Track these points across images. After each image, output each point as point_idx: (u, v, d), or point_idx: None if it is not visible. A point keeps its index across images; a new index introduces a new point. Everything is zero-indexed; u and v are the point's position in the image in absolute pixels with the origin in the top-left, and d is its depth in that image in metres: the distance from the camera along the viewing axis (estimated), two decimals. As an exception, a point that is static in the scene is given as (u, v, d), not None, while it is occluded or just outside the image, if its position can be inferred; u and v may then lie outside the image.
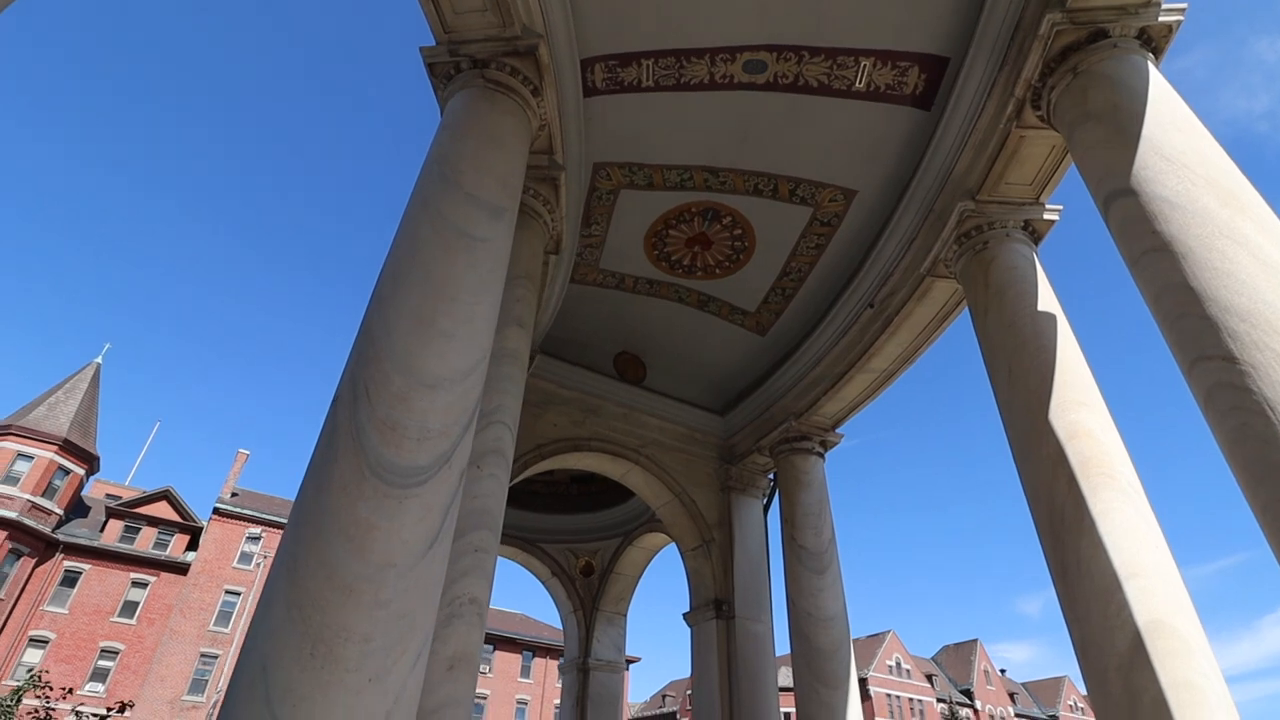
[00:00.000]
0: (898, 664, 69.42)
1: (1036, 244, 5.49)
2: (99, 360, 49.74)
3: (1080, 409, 4.36)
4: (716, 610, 8.36)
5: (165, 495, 45.34)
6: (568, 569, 11.96)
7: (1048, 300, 4.97)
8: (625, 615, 11.89)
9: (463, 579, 3.48)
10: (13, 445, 41.77)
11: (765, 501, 9.49)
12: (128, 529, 43.38)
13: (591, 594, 11.82)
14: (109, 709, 9.24)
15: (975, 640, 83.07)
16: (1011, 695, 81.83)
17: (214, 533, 41.51)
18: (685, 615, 8.89)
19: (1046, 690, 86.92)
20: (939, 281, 6.19)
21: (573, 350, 8.85)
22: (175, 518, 44.95)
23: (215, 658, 37.54)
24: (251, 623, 2.38)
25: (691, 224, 7.33)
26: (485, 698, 50.08)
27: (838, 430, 8.39)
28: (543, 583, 12.17)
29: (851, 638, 7.07)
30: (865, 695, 63.68)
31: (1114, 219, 3.71)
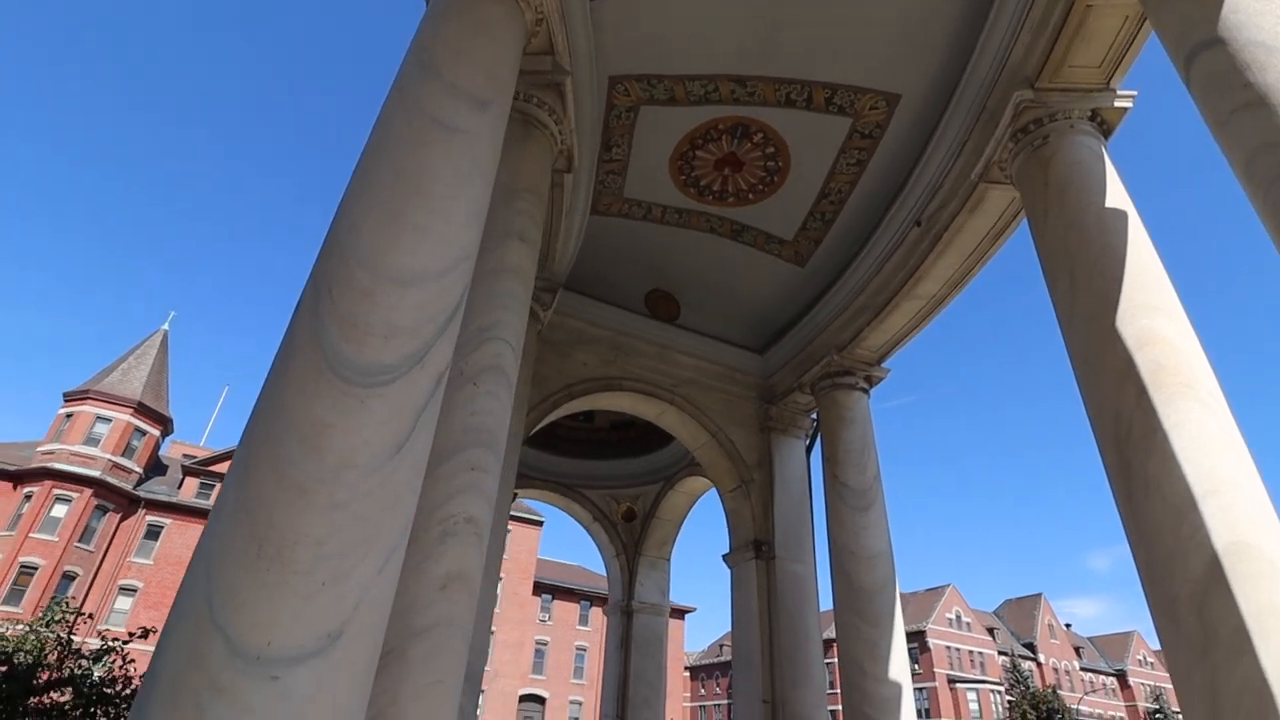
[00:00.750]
0: (958, 617, 68.65)
1: (1106, 137, 4.85)
2: (166, 327, 52.10)
3: (1154, 314, 3.82)
4: (756, 551, 8.11)
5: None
6: (609, 514, 11.88)
7: (1117, 197, 4.38)
8: (668, 560, 11.79)
9: (458, 497, 3.27)
10: (91, 409, 44.42)
11: (808, 442, 9.10)
12: (203, 485, 46.08)
13: (634, 539, 11.74)
14: (130, 633, 9.68)
15: (1039, 594, 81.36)
16: (1077, 649, 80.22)
17: (283, 488, 43.49)
18: (725, 556, 8.68)
19: (1114, 645, 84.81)
20: (993, 190, 5.59)
21: (602, 288, 8.54)
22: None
23: (290, 605, 39.63)
24: (204, 530, 2.20)
25: (719, 143, 6.84)
26: (546, 644, 51.87)
27: (883, 365, 7.89)
28: (585, 528, 12.15)
29: (897, 579, 6.72)
30: (924, 648, 63.35)
31: (1197, 77, 3.13)
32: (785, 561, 8.02)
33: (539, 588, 54.16)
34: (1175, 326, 3.78)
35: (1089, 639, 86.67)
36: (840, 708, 6.19)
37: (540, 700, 50.08)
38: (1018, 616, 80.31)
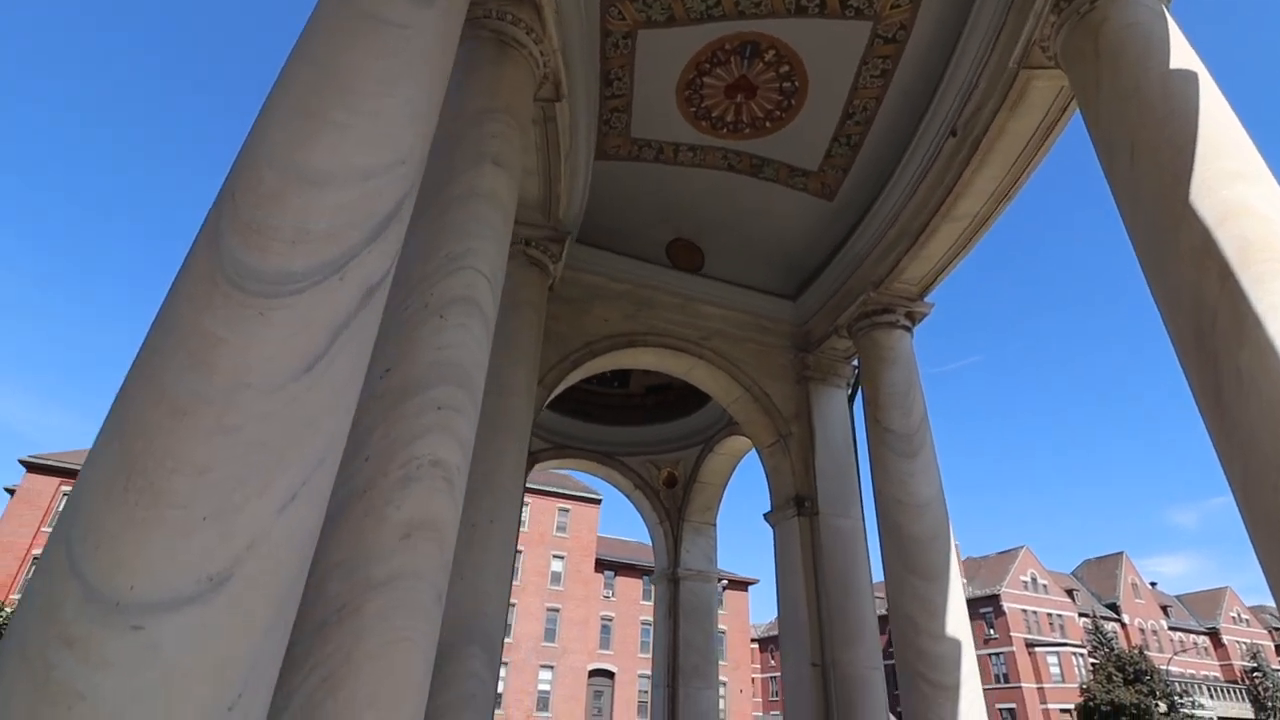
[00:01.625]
0: (1033, 579, 66.47)
1: (1168, -2, 4.13)
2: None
3: (1235, 181, 3.17)
4: (797, 507, 7.63)
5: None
6: (650, 481, 11.55)
7: (1184, 57, 3.69)
8: (714, 525, 11.40)
9: (424, 438, 2.93)
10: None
11: (850, 392, 8.52)
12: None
13: (676, 505, 11.38)
14: None
15: (1120, 553, 78.10)
16: (1164, 608, 76.81)
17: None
18: (766, 516, 8.22)
19: (1204, 602, 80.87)
20: (1036, 80, 4.90)
21: (619, 239, 8.11)
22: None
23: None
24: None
25: (728, 66, 6.28)
26: (611, 620, 52.49)
27: (926, 299, 7.24)
28: (626, 496, 11.86)
29: (951, 529, 6.16)
30: (999, 612, 61.60)
31: None
32: (830, 517, 7.51)
33: (601, 565, 54.75)
34: (1263, 194, 3.13)
35: (1176, 597, 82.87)
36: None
37: (609, 675, 50.78)
38: (1098, 577, 77.31)
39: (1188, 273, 3.13)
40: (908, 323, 7.19)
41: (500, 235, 3.80)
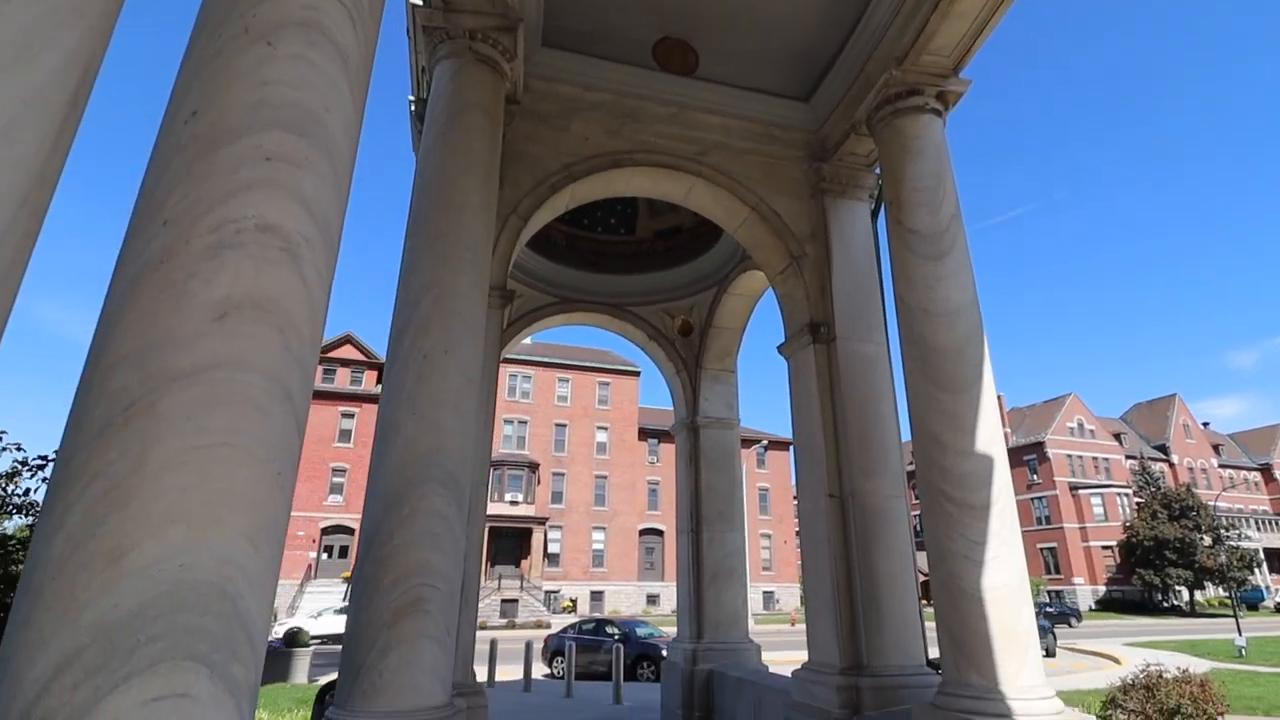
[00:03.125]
0: (1080, 425, 65.99)
1: None
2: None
3: None
4: (813, 334, 6.86)
5: (348, 339, 50.68)
6: (665, 331, 10.89)
7: None
8: (733, 371, 10.80)
9: (243, 195, 2.19)
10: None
11: (874, 206, 7.48)
12: (325, 372, 49.84)
13: (693, 353, 10.76)
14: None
15: (1173, 395, 76.57)
16: (1215, 447, 76.08)
17: (387, 363, 48.25)
18: (780, 348, 7.50)
19: (1258, 440, 79.67)
20: None
21: (598, 42, 6.92)
22: (360, 357, 50.72)
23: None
24: None
25: None
26: (657, 483, 54.45)
27: (960, 75, 6.01)
28: (641, 348, 11.28)
29: (985, 339, 5.33)
30: (1043, 458, 61.81)
31: None
32: (849, 342, 6.75)
33: (644, 433, 56.13)
34: None
35: (1229, 436, 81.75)
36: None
37: (659, 533, 53.38)
38: (1149, 419, 76.43)
39: None
40: (938, 106, 6.02)
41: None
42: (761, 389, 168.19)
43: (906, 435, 6.01)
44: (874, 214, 7.44)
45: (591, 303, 10.77)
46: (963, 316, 5.29)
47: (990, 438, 5.04)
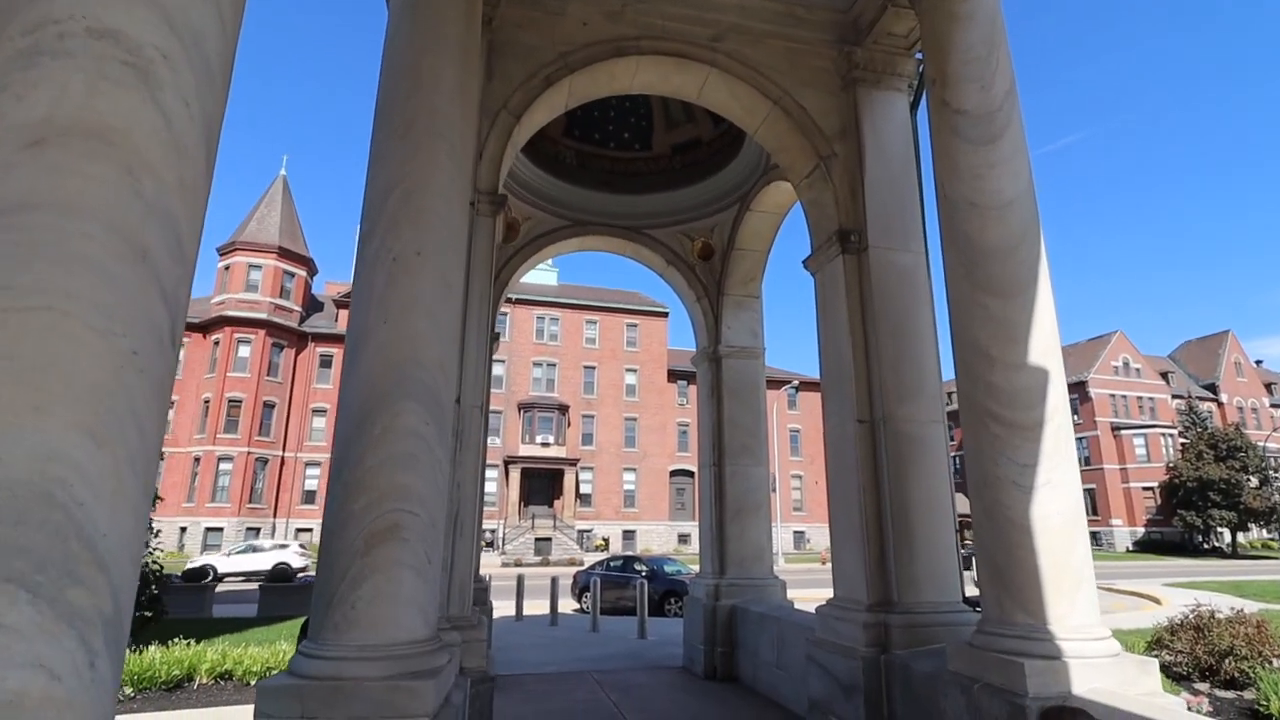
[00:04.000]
0: (1125, 364, 63.79)
1: None
2: (283, 171, 53.73)
3: None
4: (842, 244, 6.17)
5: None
6: (684, 255, 10.22)
7: None
8: (758, 298, 10.13)
9: (65, -17, 1.63)
10: (242, 259, 48.00)
11: (913, 97, 6.64)
12: (355, 316, 49.92)
13: (714, 278, 10.10)
14: None
15: (1225, 332, 73.43)
16: (1268, 385, 73.15)
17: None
18: (805, 262, 6.83)
19: (1317, 376, 76.17)
20: None
21: (598, -87, 6.09)
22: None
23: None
24: None
25: None
26: (687, 425, 54.34)
27: (1022, -72, 5.11)
28: (659, 274, 10.65)
29: (1042, 237, 4.62)
30: (1085, 397, 60.04)
31: None
32: (883, 251, 6.05)
33: (673, 375, 55.80)
34: None
35: (1284, 372, 78.36)
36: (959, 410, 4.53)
37: (689, 474, 53.56)
38: (1198, 358, 73.57)
39: None
40: (994, -33, 5.13)
41: None
42: (792, 330, 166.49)
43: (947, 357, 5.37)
44: (913, 107, 6.61)
45: (606, 225, 10.13)
46: (1016, 209, 4.57)
47: (1045, 349, 4.39)
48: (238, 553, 29.48)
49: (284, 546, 30.57)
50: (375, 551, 3.55)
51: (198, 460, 43.45)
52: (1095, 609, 4.07)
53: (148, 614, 8.88)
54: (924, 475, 5.52)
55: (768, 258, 10.02)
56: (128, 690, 7.20)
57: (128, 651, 7.96)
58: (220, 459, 42.35)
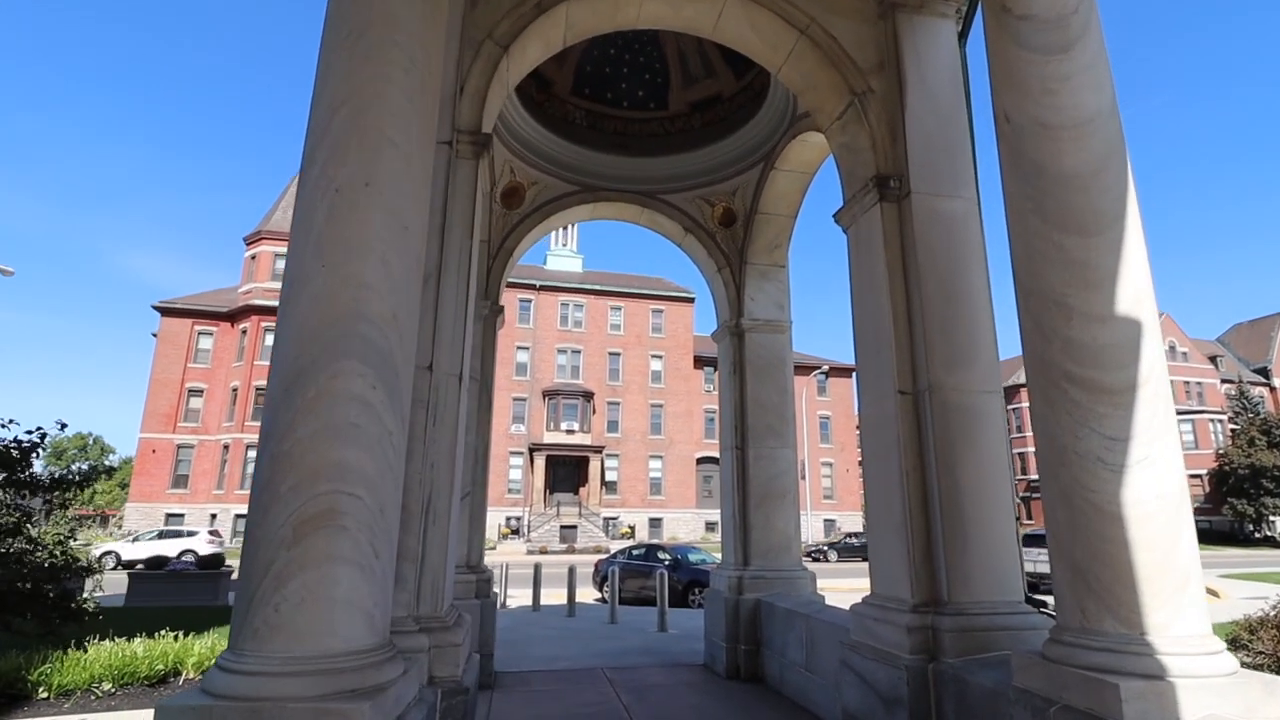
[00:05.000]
0: (1171, 348, 61.36)
1: None
2: (307, 159, 53.62)
3: None
4: (880, 190, 5.36)
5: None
6: (703, 221, 9.44)
7: None
8: (784, 267, 9.32)
9: None
10: (268, 248, 48.16)
11: (961, 24, 5.77)
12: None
13: (737, 246, 9.31)
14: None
15: (1278, 314, 70.11)
16: (1326, 368, 69.76)
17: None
18: (837, 215, 6.01)
19: (1381, 357, 72.51)
20: None
21: None
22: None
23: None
24: None
25: None
26: (714, 411, 53.45)
27: None
28: (677, 244, 9.87)
29: (1128, 160, 3.77)
30: (1127, 382, 57.71)
31: None
32: (928, 198, 5.23)
33: (699, 361, 54.94)
34: None
35: (1344, 355, 74.75)
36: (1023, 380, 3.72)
37: (716, 461, 52.74)
38: (1249, 341, 70.53)
39: None
40: None
41: None
42: (823, 313, 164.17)
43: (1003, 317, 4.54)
44: (962, 35, 5.74)
45: (619, 190, 9.39)
46: (1098, 128, 3.73)
47: (1136, 295, 3.56)
48: (151, 539, 28.68)
49: (194, 534, 29.86)
50: (306, 542, 2.90)
51: (226, 448, 43.87)
52: (1204, 616, 3.26)
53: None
54: (978, 453, 4.72)
55: (794, 223, 9.20)
56: (107, 686, 6.74)
57: (108, 643, 7.51)
58: (248, 446, 42.62)
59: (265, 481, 3.01)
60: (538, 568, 15.70)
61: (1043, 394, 3.66)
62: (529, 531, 46.80)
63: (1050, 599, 5.10)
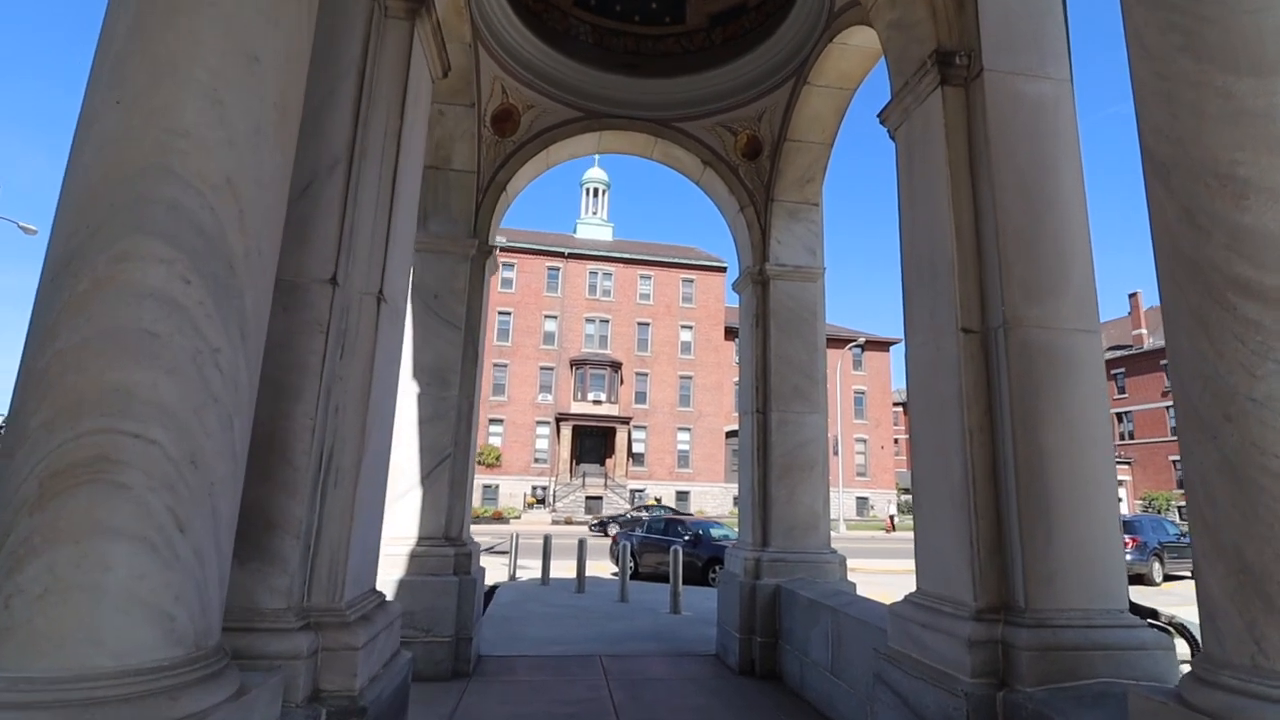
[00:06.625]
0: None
1: None
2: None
3: None
4: (941, 71, 4.11)
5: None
6: (724, 153, 8.22)
7: None
8: (818, 206, 8.07)
9: None
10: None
11: None
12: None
13: (762, 180, 8.08)
14: None
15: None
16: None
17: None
18: (882, 114, 4.77)
19: None
20: None
21: None
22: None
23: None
24: None
25: None
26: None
27: None
28: (695, 181, 8.67)
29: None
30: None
31: None
32: (1006, 77, 3.98)
33: (730, 333, 53.54)
34: None
35: None
36: (1161, 346, 2.54)
37: (745, 435, 51.59)
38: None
39: None
40: None
41: None
42: (859, 285, 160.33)
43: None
44: (1055, -128, 4.41)
45: (628, 118, 8.20)
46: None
47: (1349, 165, 2.32)
48: None
49: None
50: (58, 504, 1.90)
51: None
52: None
53: None
54: (1069, 410, 3.53)
55: (830, 154, 7.92)
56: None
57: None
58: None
59: (13, 414, 2.02)
60: (547, 539, 14.87)
61: (1193, 315, 2.46)
62: (554, 501, 46.41)
63: (1167, 612, 3.93)
